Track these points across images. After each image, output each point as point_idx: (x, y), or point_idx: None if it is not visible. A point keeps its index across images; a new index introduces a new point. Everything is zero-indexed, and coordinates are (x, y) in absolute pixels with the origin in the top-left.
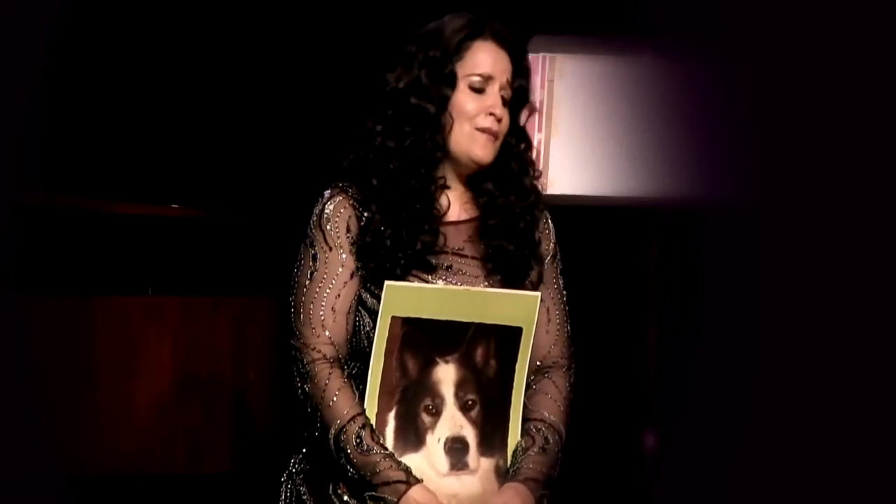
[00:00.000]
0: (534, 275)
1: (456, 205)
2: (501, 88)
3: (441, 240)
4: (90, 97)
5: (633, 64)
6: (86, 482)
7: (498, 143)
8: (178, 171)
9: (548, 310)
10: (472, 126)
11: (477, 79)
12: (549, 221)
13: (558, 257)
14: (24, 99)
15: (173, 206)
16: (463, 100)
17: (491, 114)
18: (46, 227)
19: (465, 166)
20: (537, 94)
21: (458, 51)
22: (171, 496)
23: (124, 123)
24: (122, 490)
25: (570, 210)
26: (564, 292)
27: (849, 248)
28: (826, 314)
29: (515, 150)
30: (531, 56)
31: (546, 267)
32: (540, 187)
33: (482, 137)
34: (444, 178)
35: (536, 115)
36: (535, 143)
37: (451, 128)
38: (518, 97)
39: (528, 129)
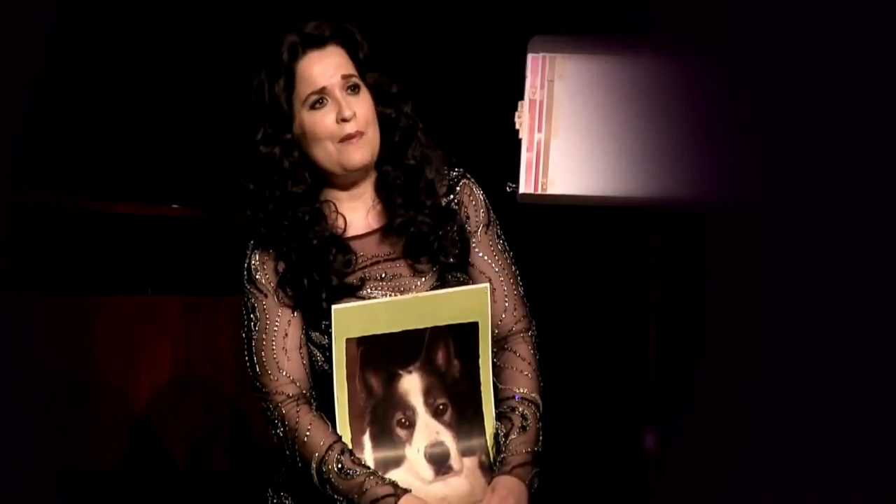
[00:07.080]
0: (461, 246)
1: (361, 215)
2: (342, 86)
3: (353, 258)
4: (90, 98)
5: (633, 64)
6: (86, 482)
7: (368, 135)
8: (178, 171)
9: (490, 280)
10: (334, 140)
11: (313, 97)
12: (476, 190)
13: (493, 221)
14: (24, 99)
15: (173, 206)
16: (312, 124)
17: (342, 119)
18: (46, 227)
19: (351, 177)
20: (537, 94)
21: (286, 86)
22: (171, 496)
23: (124, 124)
24: (122, 490)
25: (570, 210)
26: (509, 253)
27: (849, 248)
28: (827, 314)
29: (393, 117)
30: (531, 56)
31: (479, 236)
32: (427, 147)
33: (348, 147)
34: (329, 202)
35: (536, 115)
36: (534, 143)
37: (315, 154)
38: (368, 67)
39: (528, 129)
